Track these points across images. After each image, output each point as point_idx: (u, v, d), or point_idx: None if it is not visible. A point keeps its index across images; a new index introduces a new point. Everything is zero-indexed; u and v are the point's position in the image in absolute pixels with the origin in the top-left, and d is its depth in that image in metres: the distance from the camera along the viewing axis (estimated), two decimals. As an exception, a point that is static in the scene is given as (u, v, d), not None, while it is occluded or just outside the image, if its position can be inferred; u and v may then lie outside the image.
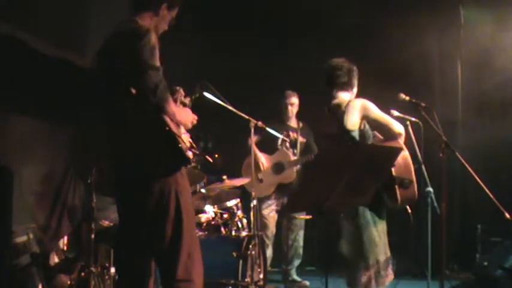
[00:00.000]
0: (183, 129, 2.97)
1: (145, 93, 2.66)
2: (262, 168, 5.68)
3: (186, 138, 2.95)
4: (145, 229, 2.78)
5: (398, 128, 3.67)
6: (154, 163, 2.72)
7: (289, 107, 5.84)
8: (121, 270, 3.00)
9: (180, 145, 2.69)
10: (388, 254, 3.78)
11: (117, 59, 2.75)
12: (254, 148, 5.70)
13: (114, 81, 2.77)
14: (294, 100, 5.87)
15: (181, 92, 3.32)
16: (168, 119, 2.70)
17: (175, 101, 2.99)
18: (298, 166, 5.63)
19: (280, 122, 5.82)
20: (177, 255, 2.71)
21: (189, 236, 2.75)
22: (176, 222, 2.72)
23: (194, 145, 3.13)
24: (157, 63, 2.70)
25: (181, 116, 2.83)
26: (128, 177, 2.78)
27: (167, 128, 2.68)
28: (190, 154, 2.81)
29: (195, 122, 2.95)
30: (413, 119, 4.21)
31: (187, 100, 3.24)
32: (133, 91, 2.69)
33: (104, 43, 2.89)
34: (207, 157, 3.62)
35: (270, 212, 5.73)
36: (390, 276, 3.79)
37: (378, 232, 3.71)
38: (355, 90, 3.91)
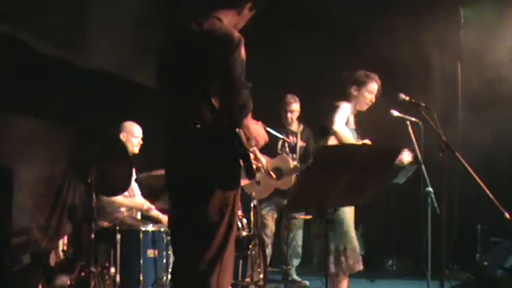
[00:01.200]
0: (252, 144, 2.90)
1: (231, 109, 2.57)
2: (262, 170, 5.63)
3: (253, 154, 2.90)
4: (198, 233, 2.71)
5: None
6: (223, 174, 2.66)
7: (289, 114, 5.78)
8: (175, 272, 2.94)
9: (251, 160, 2.64)
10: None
11: (205, 62, 2.61)
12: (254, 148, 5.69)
13: (191, 83, 2.64)
14: (295, 107, 5.77)
15: None
16: (242, 133, 2.63)
17: None
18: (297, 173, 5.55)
19: (280, 126, 5.77)
20: (215, 266, 2.67)
21: (230, 251, 2.72)
22: (226, 234, 2.68)
23: (259, 158, 3.09)
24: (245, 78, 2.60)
25: (256, 132, 2.74)
26: (191, 182, 2.70)
27: (242, 143, 2.61)
28: (254, 167, 2.79)
29: (267, 141, 2.83)
30: (413, 119, 4.22)
31: None
32: (216, 103, 2.58)
33: (183, 36, 2.72)
34: (272, 173, 3.60)
35: (269, 211, 5.72)
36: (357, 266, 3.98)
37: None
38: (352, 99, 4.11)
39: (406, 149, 4.09)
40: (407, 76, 5.88)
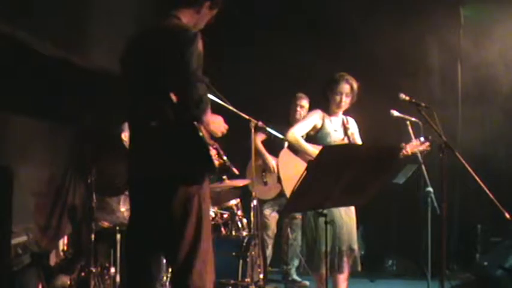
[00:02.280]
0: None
1: (187, 104, 2.60)
2: (273, 170, 5.64)
3: (213, 146, 2.92)
4: (163, 231, 2.74)
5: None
6: (184, 168, 2.68)
7: (299, 109, 5.79)
8: (130, 270, 2.96)
9: (210, 155, 2.66)
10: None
11: (160, 60, 2.66)
12: (262, 149, 5.70)
13: (150, 82, 2.69)
14: (304, 103, 5.82)
15: None
16: (202, 128, 2.66)
17: None
18: None
19: (288, 125, 5.77)
20: (193, 261, 2.67)
21: (206, 243, 2.72)
22: (196, 228, 2.69)
23: (222, 154, 3.09)
24: (201, 72, 2.63)
25: (214, 126, 2.78)
26: (153, 179, 2.73)
27: (202, 138, 2.63)
28: (217, 163, 2.79)
29: (225, 131, 2.88)
30: (413, 119, 4.22)
31: None
32: (174, 98, 2.62)
33: (142, 36, 2.79)
34: (233, 169, 3.59)
35: (272, 212, 5.73)
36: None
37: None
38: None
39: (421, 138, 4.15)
40: (407, 76, 5.88)
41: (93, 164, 3.73)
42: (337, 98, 4.17)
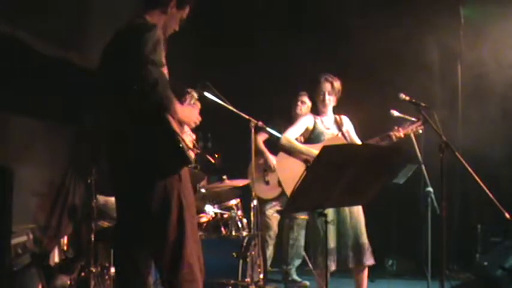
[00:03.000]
0: (187, 129, 2.93)
1: (145, 90, 2.58)
2: (274, 170, 5.65)
3: (188, 138, 2.91)
4: (146, 229, 2.75)
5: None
6: (155, 162, 2.67)
7: (299, 104, 5.81)
8: (120, 269, 2.98)
9: (180, 144, 2.64)
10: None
11: (121, 54, 2.70)
12: (263, 148, 5.70)
13: (116, 78, 2.72)
14: (306, 99, 5.84)
15: (194, 94, 3.29)
16: (170, 117, 2.65)
17: (181, 103, 2.95)
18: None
19: (287, 122, 5.78)
20: (180, 257, 2.68)
21: (191, 237, 2.72)
22: (178, 224, 2.69)
23: (196, 145, 3.09)
24: (161, 60, 2.64)
25: (184, 115, 2.77)
26: (129, 176, 2.74)
27: (167, 127, 2.63)
28: (191, 154, 2.78)
29: (198, 122, 2.89)
30: (413, 119, 4.22)
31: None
32: (135, 87, 2.62)
33: (110, 40, 2.86)
34: (209, 157, 3.60)
35: (274, 213, 5.73)
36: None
37: None
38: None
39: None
40: (407, 76, 5.88)
41: (93, 164, 3.73)
42: (320, 97, 4.35)
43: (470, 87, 6.28)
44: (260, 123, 4.54)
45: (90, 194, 3.77)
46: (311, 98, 4.43)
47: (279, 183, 4.70)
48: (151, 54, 2.59)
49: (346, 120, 4.45)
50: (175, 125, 2.68)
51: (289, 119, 5.83)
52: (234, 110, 4.30)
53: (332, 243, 4.11)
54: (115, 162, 2.82)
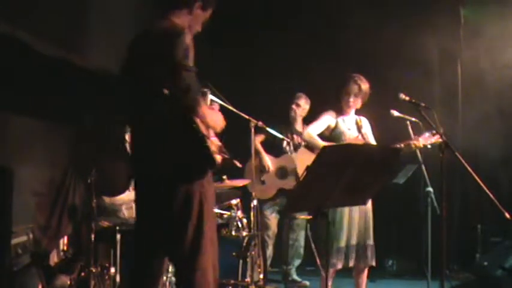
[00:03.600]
0: (212, 133, 2.92)
1: (177, 94, 2.62)
2: (268, 170, 5.67)
3: (215, 142, 2.91)
4: (166, 230, 2.73)
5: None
6: (182, 165, 2.68)
7: (294, 107, 5.83)
8: (135, 269, 2.96)
9: (208, 148, 2.65)
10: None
11: (150, 58, 2.72)
12: (259, 148, 5.70)
13: (145, 80, 2.73)
14: (301, 102, 5.85)
15: (209, 95, 3.30)
16: (198, 121, 2.66)
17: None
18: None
19: (286, 124, 5.81)
20: (196, 260, 2.67)
21: (209, 242, 2.72)
22: (197, 228, 2.68)
23: (224, 149, 3.08)
24: (191, 64, 2.66)
25: (212, 119, 2.78)
26: (153, 177, 2.74)
27: (196, 130, 2.64)
28: (218, 158, 2.78)
29: (223, 126, 2.88)
30: (413, 119, 4.23)
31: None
32: (166, 91, 2.64)
33: (136, 41, 2.85)
34: (236, 162, 3.60)
35: (272, 213, 5.73)
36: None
37: None
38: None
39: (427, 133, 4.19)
40: (407, 76, 5.88)
41: (93, 164, 3.73)
42: (346, 97, 4.35)
43: (470, 87, 6.28)
44: (260, 123, 4.54)
45: (90, 194, 3.77)
46: (337, 97, 4.41)
47: (297, 178, 4.74)
48: (184, 60, 2.63)
49: (365, 122, 4.50)
50: (203, 128, 2.69)
51: (287, 119, 5.86)
52: (234, 110, 4.31)
53: (343, 242, 4.14)
54: (140, 163, 2.82)
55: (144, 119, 2.75)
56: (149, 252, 2.82)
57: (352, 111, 4.43)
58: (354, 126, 4.42)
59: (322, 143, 4.25)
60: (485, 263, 5.09)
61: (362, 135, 4.39)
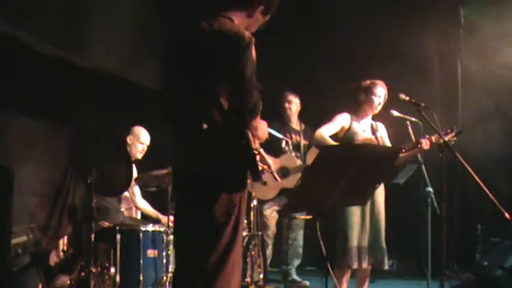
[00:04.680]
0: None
1: (242, 110, 2.54)
2: (269, 168, 5.67)
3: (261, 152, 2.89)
4: (203, 236, 2.69)
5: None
6: (230, 175, 2.63)
7: (287, 105, 5.84)
8: (176, 269, 2.93)
9: (257, 162, 2.62)
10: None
11: (214, 62, 2.57)
12: (259, 149, 5.69)
13: (199, 85, 2.60)
14: (292, 98, 5.87)
15: None
16: (250, 134, 2.61)
17: None
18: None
19: (282, 123, 5.82)
20: (224, 265, 2.64)
21: (238, 249, 2.69)
22: (233, 234, 2.65)
23: (265, 160, 3.06)
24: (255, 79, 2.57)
25: (262, 132, 2.71)
26: (199, 180, 2.66)
27: (249, 143, 2.58)
28: (260, 168, 2.77)
29: (267, 136, 2.81)
30: (413, 119, 4.23)
31: None
32: (225, 104, 2.54)
33: (192, 36, 2.66)
34: (276, 175, 3.58)
35: (272, 212, 5.73)
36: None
37: None
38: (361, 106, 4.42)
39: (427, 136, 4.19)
40: (407, 76, 5.88)
41: (93, 164, 3.73)
42: (376, 100, 4.32)
43: (470, 87, 6.28)
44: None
45: (90, 194, 3.77)
46: (357, 100, 4.40)
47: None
48: (253, 77, 2.54)
49: (381, 127, 4.49)
50: (252, 139, 2.63)
51: (281, 120, 5.85)
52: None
53: (355, 241, 4.15)
54: (188, 170, 2.73)
55: (196, 124, 2.61)
56: (190, 254, 2.78)
57: (370, 115, 4.43)
58: (369, 129, 4.41)
59: (333, 144, 4.24)
60: (485, 263, 5.08)
61: (376, 138, 4.38)
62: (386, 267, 4.24)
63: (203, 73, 2.59)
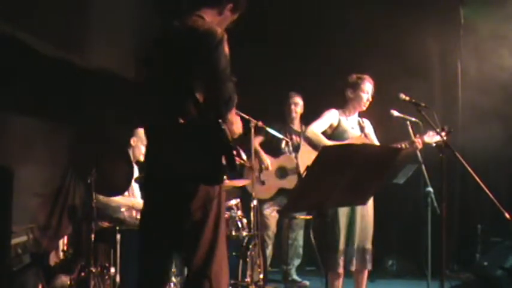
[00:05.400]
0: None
1: (216, 105, 2.58)
2: (267, 167, 5.68)
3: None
4: (179, 232, 2.70)
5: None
6: (207, 168, 2.65)
7: (293, 107, 5.85)
8: (143, 271, 2.93)
9: (233, 154, 2.62)
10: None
11: (188, 59, 2.63)
12: (258, 149, 5.71)
13: (175, 81, 2.65)
14: (298, 100, 5.87)
15: None
16: (226, 127, 2.63)
17: None
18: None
19: (284, 124, 5.82)
20: (210, 264, 2.64)
21: (222, 246, 2.70)
22: (214, 230, 2.66)
23: (241, 155, 3.06)
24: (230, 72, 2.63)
25: (237, 126, 2.75)
26: (174, 180, 2.68)
27: (225, 136, 2.60)
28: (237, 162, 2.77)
29: (241, 131, 2.84)
30: (413, 119, 4.23)
31: None
32: (200, 98, 2.59)
33: (167, 35, 2.76)
34: (246, 162, 3.58)
35: (272, 212, 5.73)
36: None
37: None
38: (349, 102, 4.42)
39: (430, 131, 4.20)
40: (407, 76, 5.88)
41: (93, 164, 3.73)
42: (364, 96, 4.32)
43: (470, 87, 6.28)
44: (260, 123, 4.55)
45: (90, 194, 3.77)
46: (345, 96, 4.41)
47: (300, 176, 4.73)
48: (226, 69, 2.60)
49: (367, 124, 4.49)
50: (228, 132, 2.65)
51: (283, 119, 5.86)
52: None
53: (342, 244, 4.14)
54: (160, 164, 2.75)
55: (172, 119, 2.66)
56: (160, 253, 2.79)
57: (357, 112, 4.42)
58: (356, 126, 4.41)
59: (326, 141, 4.24)
60: (485, 263, 5.08)
61: (365, 135, 4.39)
62: (369, 267, 4.24)
63: (179, 69, 2.65)
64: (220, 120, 2.60)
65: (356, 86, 4.31)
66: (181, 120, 2.62)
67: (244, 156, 3.06)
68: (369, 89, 4.32)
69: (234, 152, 2.68)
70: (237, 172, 5.21)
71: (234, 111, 2.69)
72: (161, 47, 2.74)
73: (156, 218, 2.78)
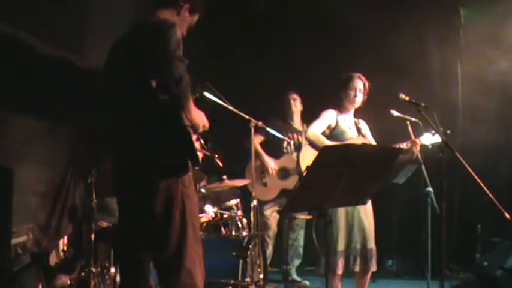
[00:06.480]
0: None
1: (167, 85, 2.57)
2: (271, 172, 5.69)
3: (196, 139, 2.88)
4: (148, 230, 2.70)
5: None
6: (165, 161, 2.62)
7: (292, 101, 5.85)
8: (123, 271, 2.95)
9: (193, 144, 2.61)
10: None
11: (140, 50, 2.66)
12: (260, 150, 5.71)
13: (130, 74, 2.68)
14: (296, 96, 5.89)
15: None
16: (184, 116, 2.61)
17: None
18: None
19: (284, 122, 5.82)
20: (181, 261, 2.63)
21: (193, 241, 2.68)
22: (181, 227, 2.64)
23: (205, 147, 3.05)
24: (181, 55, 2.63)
25: (196, 116, 2.74)
26: (134, 175, 2.68)
27: (182, 125, 2.58)
28: (200, 155, 2.74)
29: (206, 127, 2.84)
30: (413, 119, 4.23)
31: None
32: (154, 84, 2.60)
33: (123, 36, 2.82)
34: (217, 160, 3.57)
35: (272, 212, 5.74)
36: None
37: None
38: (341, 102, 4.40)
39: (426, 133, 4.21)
40: (408, 76, 5.88)
41: (93, 164, 3.73)
42: (352, 93, 4.31)
43: (471, 87, 6.27)
44: (260, 123, 4.54)
45: (90, 194, 3.77)
46: (338, 95, 4.40)
47: (300, 176, 4.73)
48: (177, 50, 2.61)
49: (363, 124, 4.49)
50: (187, 122, 2.64)
51: (285, 119, 5.87)
52: (234, 110, 4.30)
53: (342, 246, 4.13)
54: (120, 161, 2.77)
55: (128, 112, 2.68)
56: (136, 251, 2.78)
57: (352, 111, 4.41)
58: (353, 126, 4.41)
59: (327, 142, 4.22)
60: (485, 263, 5.08)
61: (362, 136, 4.38)
62: (374, 268, 4.23)
63: (133, 64, 2.68)
64: (177, 108, 2.59)
65: (346, 85, 4.31)
66: (138, 109, 2.63)
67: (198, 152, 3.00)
68: (359, 86, 4.30)
69: (198, 145, 2.66)
70: (237, 172, 5.22)
71: (192, 102, 2.67)
72: (118, 48, 2.82)
73: (125, 218, 2.79)
